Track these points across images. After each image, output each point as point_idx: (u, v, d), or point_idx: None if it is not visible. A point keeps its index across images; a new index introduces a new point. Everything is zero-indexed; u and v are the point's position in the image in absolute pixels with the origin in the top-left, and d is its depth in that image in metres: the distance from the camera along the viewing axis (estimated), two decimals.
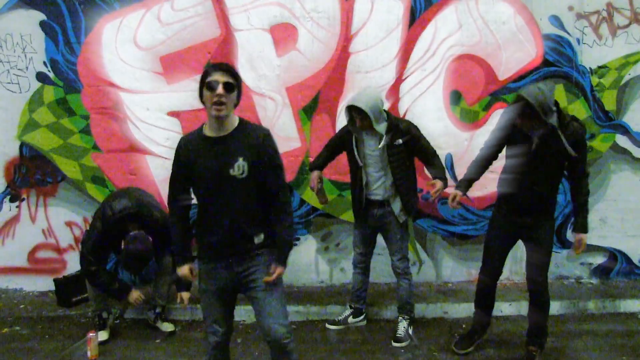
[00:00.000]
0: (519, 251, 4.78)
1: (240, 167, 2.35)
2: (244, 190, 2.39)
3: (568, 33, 4.58)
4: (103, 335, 3.70)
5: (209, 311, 2.56)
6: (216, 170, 2.37)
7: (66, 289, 4.32)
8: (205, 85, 2.33)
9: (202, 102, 2.40)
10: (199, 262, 2.54)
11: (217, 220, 2.42)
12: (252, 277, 2.47)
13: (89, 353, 3.44)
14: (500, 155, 3.44)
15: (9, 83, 4.49)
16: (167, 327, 3.93)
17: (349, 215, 4.51)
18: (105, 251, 3.72)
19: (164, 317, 3.99)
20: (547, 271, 3.31)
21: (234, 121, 2.45)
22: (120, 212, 3.56)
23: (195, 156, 2.42)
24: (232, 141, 2.39)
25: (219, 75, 2.31)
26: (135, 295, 3.69)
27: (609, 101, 4.67)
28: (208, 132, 2.44)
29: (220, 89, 2.28)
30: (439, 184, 3.50)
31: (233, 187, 2.37)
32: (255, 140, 2.40)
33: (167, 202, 2.60)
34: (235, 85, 2.35)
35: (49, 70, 4.48)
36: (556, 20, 4.56)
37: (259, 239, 2.45)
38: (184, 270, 2.57)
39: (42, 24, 4.43)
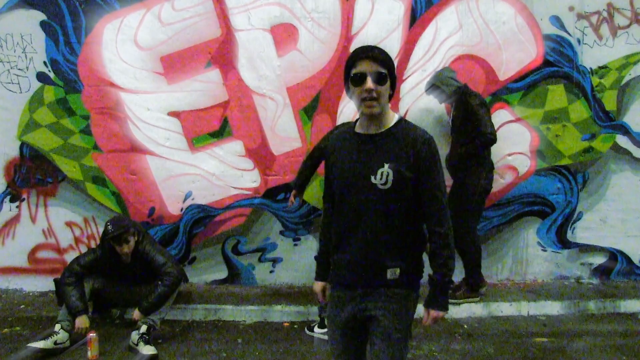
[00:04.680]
0: (519, 251, 4.79)
1: (384, 174, 1.88)
2: (385, 204, 1.90)
3: (568, 33, 4.58)
4: (40, 344, 3.45)
5: (333, 344, 2.11)
6: (356, 174, 1.93)
7: None
8: (351, 79, 1.89)
9: (349, 96, 1.99)
10: (330, 284, 2.15)
11: (348, 237, 1.98)
12: (374, 319, 1.97)
13: (89, 353, 3.43)
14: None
15: (10, 83, 4.49)
16: (149, 349, 3.46)
17: None
18: (93, 272, 3.86)
19: (146, 339, 3.55)
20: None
21: (391, 118, 1.96)
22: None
23: (337, 153, 2.02)
24: (383, 142, 1.93)
25: (368, 65, 1.85)
26: (82, 321, 3.59)
27: (609, 101, 4.67)
28: (359, 128, 2.00)
29: (369, 83, 1.84)
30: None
31: (372, 198, 1.91)
32: (410, 146, 1.90)
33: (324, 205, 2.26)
34: (386, 74, 1.88)
35: (49, 70, 4.48)
36: (557, 21, 4.57)
37: (392, 273, 1.93)
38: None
39: (43, 24, 4.43)
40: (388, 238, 1.92)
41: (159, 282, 3.77)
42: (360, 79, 1.85)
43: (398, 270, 1.94)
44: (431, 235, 1.95)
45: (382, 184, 1.89)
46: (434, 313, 1.95)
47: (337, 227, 2.04)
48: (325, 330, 3.76)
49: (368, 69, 1.85)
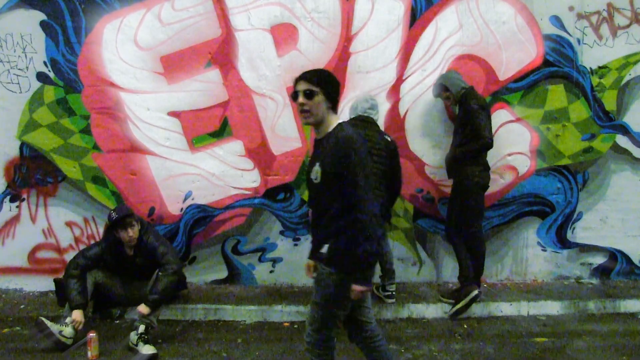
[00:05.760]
0: (519, 251, 4.79)
1: (315, 172, 2.36)
2: (319, 196, 2.40)
3: (568, 33, 4.58)
4: (49, 322, 3.56)
5: None
6: (307, 173, 2.49)
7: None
8: (291, 97, 2.41)
9: None
10: None
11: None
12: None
13: (89, 353, 3.43)
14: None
15: (9, 83, 4.49)
16: (148, 349, 3.44)
17: None
18: (97, 265, 3.87)
19: (146, 339, 3.51)
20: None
21: (330, 125, 2.41)
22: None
23: None
24: (320, 146, 2.42)
25: (299, 85, 2.35)
26: (77, 315, 3.60)
27: (609, 101, 4.68)
28: None
29: (300, 98, 2.33)
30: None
31: (312, 191, 2.46)
32: (332, 147, 2.31)
33: None
34: (316, 91, 2.32)
35: (49, 70, 4.47)
36: (557, 21, 4.57)
37: (323, 249, 2.40)
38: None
39: (43, 24, 4.43)
40: (323, 222, 2.38)
41: (160, 273, 3.74)
42: (295, 96, 2.36)
43: (326, 247, 2.37)
44: (352, 221, 2.27)
45: (315, 180, 2.36)
46: (354, 287, 2.34)
47: None
48: None
49: (300, 88, 2.34)
